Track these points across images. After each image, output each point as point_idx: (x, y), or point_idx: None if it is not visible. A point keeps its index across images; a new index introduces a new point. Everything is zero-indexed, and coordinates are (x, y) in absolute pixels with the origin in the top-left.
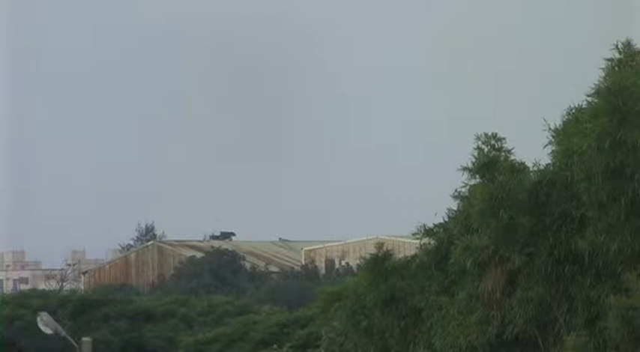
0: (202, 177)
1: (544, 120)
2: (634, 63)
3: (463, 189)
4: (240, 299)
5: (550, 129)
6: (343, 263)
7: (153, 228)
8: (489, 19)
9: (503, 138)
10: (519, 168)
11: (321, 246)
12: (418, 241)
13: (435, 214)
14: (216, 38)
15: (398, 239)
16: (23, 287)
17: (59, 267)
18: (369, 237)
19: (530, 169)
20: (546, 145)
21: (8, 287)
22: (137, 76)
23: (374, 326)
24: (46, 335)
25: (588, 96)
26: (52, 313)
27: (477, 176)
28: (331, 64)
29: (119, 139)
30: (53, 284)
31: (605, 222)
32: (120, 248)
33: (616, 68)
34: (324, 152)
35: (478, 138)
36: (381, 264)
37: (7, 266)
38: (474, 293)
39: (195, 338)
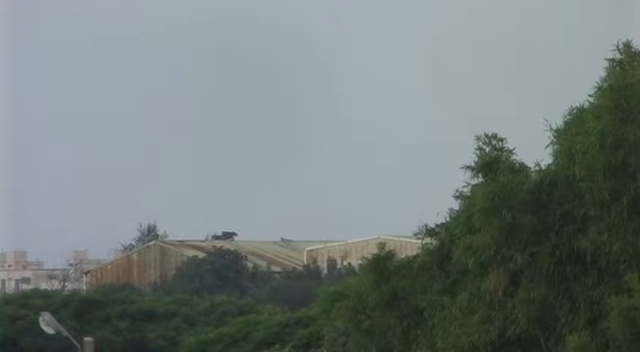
0: (204, 177)
1: (545, 120)
2: (635, 63)
3: (465, 189)
4: (242, 299)
5: (551, 129)
6: (345, 263)
7: (155, 228)
8: (490, 18)
9: (504, 139)
10: (520, 169)
11: (323, 246)
12: (420, 241)
13: (437, 214)
14: (216, 38)
15: (400, 239)
16: (25, 287)
17: (61, 267)
18: (371, 237)
19: (532, 169)
20: (548, 145)
21: (10, 288)
22: (137, 75)
23: (376, 326)
24: (48, 335)
25: (590, 95)
26: (54, 313)
27: (479, 176)
28: (331, 64)
29: (120, 139)
30: (55, 285)
31: (607, 221)
32: (122, 248)
33: (617, 68)
34: (326, 152)
35: (479, 138)
36: (383, 264)
37: (9, 266)
38: (476, 293)
39: (198, 338)
